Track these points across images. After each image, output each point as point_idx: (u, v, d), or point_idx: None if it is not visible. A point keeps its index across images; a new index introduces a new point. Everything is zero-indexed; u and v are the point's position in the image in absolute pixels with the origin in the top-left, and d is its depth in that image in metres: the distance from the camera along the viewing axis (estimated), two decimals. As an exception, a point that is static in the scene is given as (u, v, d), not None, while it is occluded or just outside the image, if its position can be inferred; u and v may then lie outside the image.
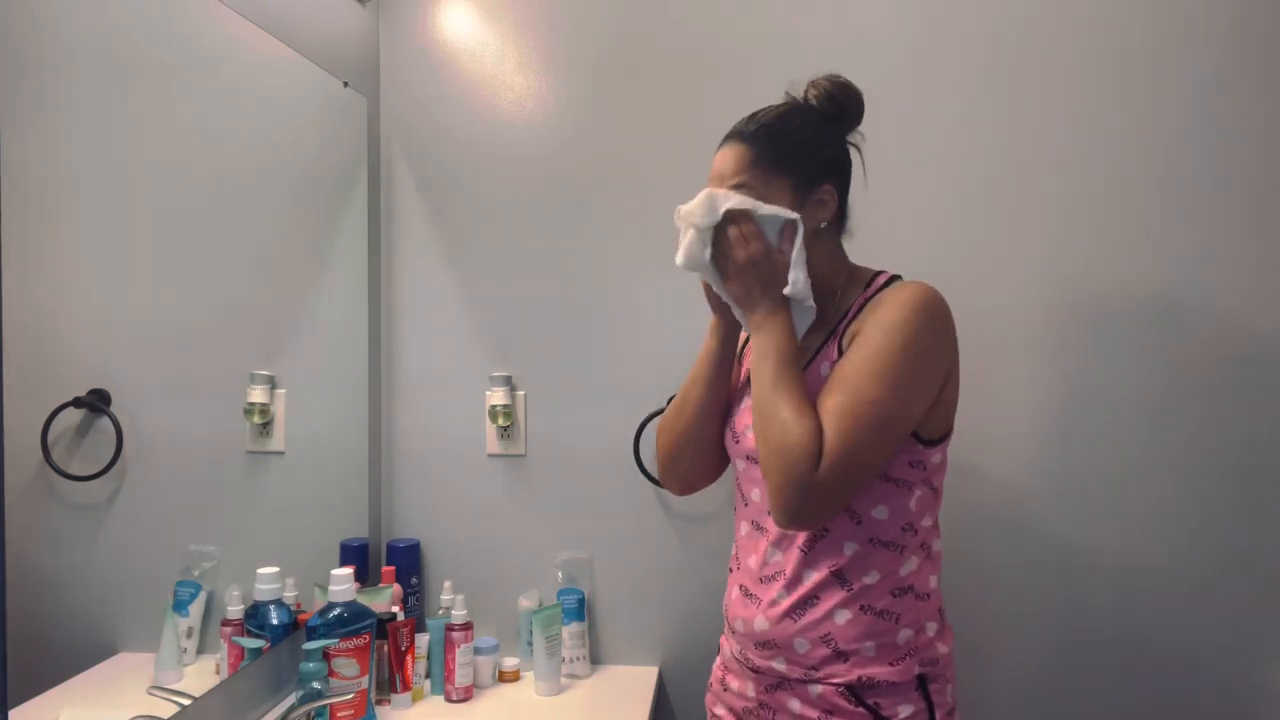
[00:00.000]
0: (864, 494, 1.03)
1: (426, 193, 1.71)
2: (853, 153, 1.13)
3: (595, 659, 1.66)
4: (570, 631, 1.59)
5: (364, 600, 1.38)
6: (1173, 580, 1.51)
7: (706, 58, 1.61)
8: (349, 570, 1.34)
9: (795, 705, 1.06)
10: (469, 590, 1.63)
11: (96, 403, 1.01)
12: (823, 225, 1.08)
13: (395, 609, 1.52)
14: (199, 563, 1.21)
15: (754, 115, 1.10)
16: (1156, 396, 1.51)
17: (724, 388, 1.18)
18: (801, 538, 1.05)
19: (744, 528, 1.15)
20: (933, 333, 1.01)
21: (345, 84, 1.59)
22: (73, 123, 0.98)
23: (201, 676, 1.19)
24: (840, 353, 1.05)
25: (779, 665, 1.07)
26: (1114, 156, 1.51)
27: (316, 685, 1.20)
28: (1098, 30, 1.51)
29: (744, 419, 1.12)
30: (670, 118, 1.62)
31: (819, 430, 0.96)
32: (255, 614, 1.30)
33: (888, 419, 0.97)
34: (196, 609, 1.20)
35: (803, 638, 1.04)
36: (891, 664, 1.03)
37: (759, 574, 1.10)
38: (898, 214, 1.53)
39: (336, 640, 1.27)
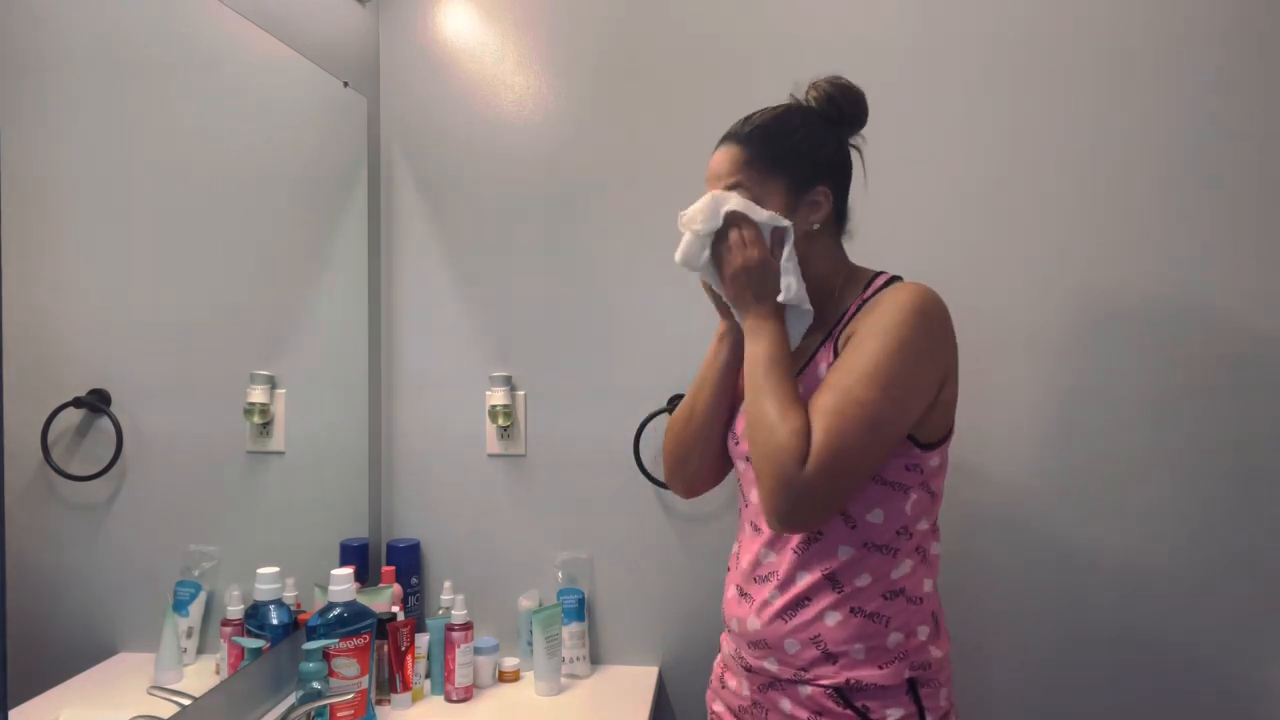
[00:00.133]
0: (858, 497, 1.02)
1: (426, 193, 1.71)
2: (853, 154, 1.12)
3: (595, 659, 1.66)
4: (570, 631, 1.59)
5: (364, 600, 1.38)
6: (1173, 580, 1.51)
7: (706, 58, 1.61)
8: (349, 570, 1.34)
9: (786, 705, 1.06)
10: (469, 590, 1.63)
11: (96, 403, 1.01)
12: (816, 227, 1.08)
13: (395, 609, 1.52)
14: (199, 563, 1.21)
15: (750, 116, 1.10)
16: (1156, 396, 1.51)
17: (731, 392, 1.18)
18: (796, 539, 1.05)
19: (744, 528, 1.15)
20: (929, 334, 1.00)
21: (345, 84, 1.59)
22: (73, 123, 0.98)
23: (201, 676, 1.19)
24: (836, 354, 1.04)
25: (770, 665, 1.07)
26: (1114, 156, 1.51)
27: (316, 685, 1.20)
28: (1098, 30, 1.51)
29: (743, 422, 1.13)
30: (670, 118, 1.62)
31: (805, 430, 0.95)
32: (255, 614, 1.30)
33: (878, 420, 0.96)
34: (196, 609, 1.20)
35: (793, 638, 1.04)
36: (880, 667, 1.02)
37: (753, 574, 1.10)
38: (898, 214, 1.53)
39: (336, 640, 1.27)
